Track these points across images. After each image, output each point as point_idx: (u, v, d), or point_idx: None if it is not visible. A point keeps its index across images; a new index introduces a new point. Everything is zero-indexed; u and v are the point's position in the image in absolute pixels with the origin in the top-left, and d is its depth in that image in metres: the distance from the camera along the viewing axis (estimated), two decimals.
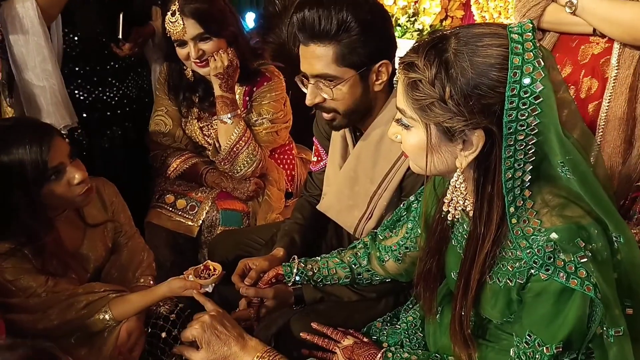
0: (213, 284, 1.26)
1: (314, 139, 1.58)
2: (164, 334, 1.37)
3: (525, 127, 0.80)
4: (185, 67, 1.74)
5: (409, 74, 0.84)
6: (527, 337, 0.88)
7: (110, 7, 1.72)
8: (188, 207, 1.80)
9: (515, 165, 0.82)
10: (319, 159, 1.56)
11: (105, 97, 1.76)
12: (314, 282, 1.30)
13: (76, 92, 1.70)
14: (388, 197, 1.34)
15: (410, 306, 1.32)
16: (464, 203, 0.89)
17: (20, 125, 1.24)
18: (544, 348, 0.86)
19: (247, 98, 1.79)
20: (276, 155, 1.99)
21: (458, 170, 0.86)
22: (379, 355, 1.09)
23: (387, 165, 1.33)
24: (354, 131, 1.42)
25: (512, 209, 0.85)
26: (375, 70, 1.24)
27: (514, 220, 0.86)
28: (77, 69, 1.68)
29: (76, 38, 1.66)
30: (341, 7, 1.17)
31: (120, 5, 1.73)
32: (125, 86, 1.80)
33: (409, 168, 1.29)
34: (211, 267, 1.28)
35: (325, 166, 1.52)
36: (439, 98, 0.81)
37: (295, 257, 1.31)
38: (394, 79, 0.92)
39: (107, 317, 1.25)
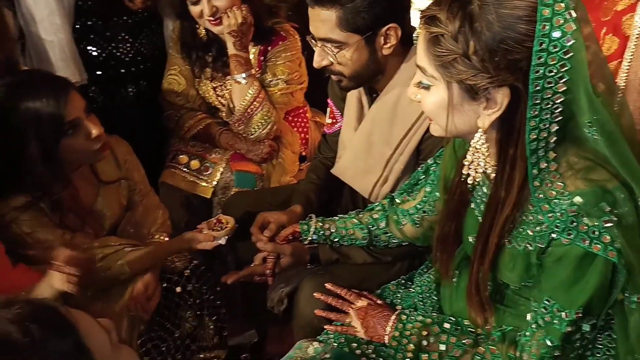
0: (226, 237, 1.26)
1: (328, 100, 1.54)
2: (178, 289, 1.41)
3: (552, 85, 0.76)
4: (198, 26, 1.70)
5: (431, 28, 0.80)
6: (546, 302, 0.87)
7: None
8: (202, 168, 1.79)
9: (540, 125, 0.79)
10: (334, 121, 1.53)
11: (118, 54, 1.73)
12: (331, 242, 1.29)
13: (89, 47, 1.68)
14: (404, 161, 1.32)
15: (425, 270, 1.32)
16: (484, 165, 0.86)
17: (36, 78, 1.24)
18: (563, 313, 0.84)
19: (262, 58, 1.75)
20: (290, 118, 1.95)
21: (480, 130, 0.83)
22: (393, 317, 1.09)
23: (404, 128, 1.30)
24: (369, 93, 1.38)
25: (535, 171, 0.82)
26: (382, 34, 1.20)
27: (536, 183, 0.82)
28: (89, 23, 1.65)
29: None
30: None
31: None
32: (139, 43, 1.77)
33: (427, 131, 1.27)
34: (224, 221, 1.30)
35: (340, 129, 1.49)
36: (463, 54, 0.77)
37: (313, 215, 1.30)
38: (414, 35, 0.87)
39: (123, 270, 1.27)
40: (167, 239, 1.46)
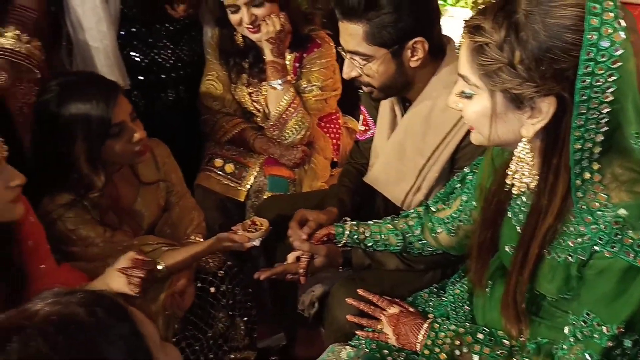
0: (260, 238, 1.28)
1: (361, 107, 1.55)
2: (212, 289, 1.43)
3: (599, 94, 0.75)
4: (235, 33, 1.74)
5: (475, 37, 0.80)
6: (585, 315, 0.85)
7: None
8: (236, 172, 1.82)
9: (585, 135, 0.77)
10: (366, 128, 1.54)
11: (160, 60, 1.78)
12: (364, 246, 1.29)
13: (132, 53, 1.73)
14: (438, 170, 1.31)
15: (458, 279, 1.31)
16: (529, 174, 0.85)
17: (88, 80, 1.29)
18: (604, 327, 0.82)
19: (297, 64, 1.78)
20: (323, 124, 1.97)
21: (524, 139, 0.82)
22: (426, 325, 1.08)
23: (437, 138, 1.29)
24: (402, 102, 1.38)
25: (578, 182, 0.80)
26: (409, 47, 1.21)
27: (579, 194, 0.81)
28: (133, 30, 1.71)
29: None
30: None
31: None
32: (180, 49, 1.82)
33: (462, 140, 1.26)
34: (258, 223, 1.32)
35: (373, 136, 1.50)
36: (508, 63, 0.77)
37: (348, 219, 1.30)
38: (457, 44, 0.88)
39: (159, 267, 1.30)
40: (202, 240, 1.49)
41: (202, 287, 1.44)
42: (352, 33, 1.20)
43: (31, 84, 1.46)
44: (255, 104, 1.85)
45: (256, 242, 1.29)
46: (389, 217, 1.32)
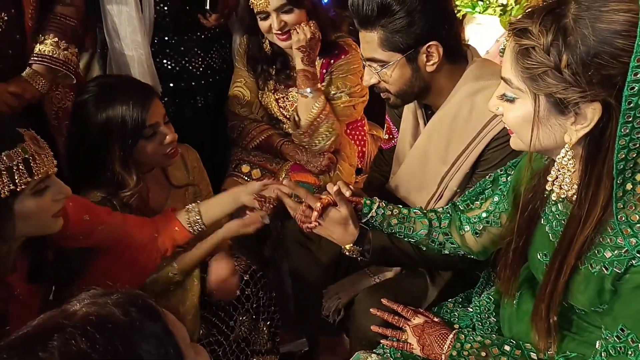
0: (269, 214, 1.31)
1: (386, 116, 1.55)
2: (238, 291, 1.44)
3: None
4: (264, 40, 1.76)
5: (521, 40, 0.78)
6: (620, 331, 0.83)
7: None
8: (263, 178, 1.83)
9: (630, 145, 0.75)
10: (390, 137, 1.54)
11: (191, 67, 1.81)
12: (388, 226, 1.21)
13: (165, 61, 1.77)
14: (460, 178, 1.30)
15: (482, 288, 1.29)
16: (569, 182, 0.84)
17: (125, 84, 1.34)
18: (639, 345, 0.80)
19: (324, 71, 1.79)
20: (348, 130, 1.98)
21: (567, 146, 0.80)
22: (451, 335, 1.07)
23: (460, 146, 1.28)
24: (425, 109, 1.38)
25: (620, 193, 0.78)
26: (423, 52, 1.21)
27: (619, 205, 0.79)
28: (166, 38, 1.75)
29: (165, 8, 1.72)
30: None
31: None
32: (210, 57, 1.85)
33: (486, 146, 1.25)
34: (266, 195, 1.32)
35: (395, 145, 1.50)
36: (554, 67, 0.75)
37: (376, 197, 1.25)
38: (500, 48, 0.87)
39: (172, 270, 1.32)
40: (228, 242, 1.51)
41: None
42: (368, 40, 1.23)
43: (67, 89, 1.51)
44: (282, 109, 1.86)
45: (266, 220, 1.30)
46: (418, 207, 1.29)
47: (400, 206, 1.25)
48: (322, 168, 1.81)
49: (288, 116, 1.86)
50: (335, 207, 1.17)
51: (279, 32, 1.65)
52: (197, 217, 1.33)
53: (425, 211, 1.26)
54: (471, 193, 1.20)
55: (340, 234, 1.18)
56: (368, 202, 1.22)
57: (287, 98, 1.84)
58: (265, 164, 1.87)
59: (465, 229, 1.18)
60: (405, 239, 1.23)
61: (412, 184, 1.39)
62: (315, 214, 1.16)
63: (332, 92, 1.77)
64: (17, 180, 0.95)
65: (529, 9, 0.80)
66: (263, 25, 1.67)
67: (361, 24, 1.23)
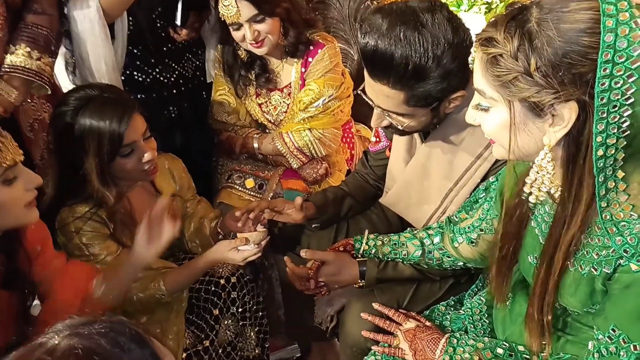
0: (257, 244, 1.29)
1: None
2: (224, 294, 1.42)
3: (619, 97, 0.72)
4: (238, 48, 1.73)
5: (488, 49, 0.77)
6: (611, 331, 0.81)
7: None
8: (257, 186, 1.81)
9: (607, 141, 0.74)
10: (378, 139, 1.51)
11: (162, 78, 1.76)
12: (383, 255, 1.26)
13: (135, 73, 1.71)
14: (467, 193, 1.25)
15: (475, 290, 1.27)
16: (549, 184, 0.82)
17: (104, 97, 1.27)
18: (631, 345, 0.79)
19: (304, 70, 1.75)
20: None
21: (546, 148, 0.79)
22: (443, 340, 1.05)
23: (466, 161, 1.23)
24: None
25: (602, 191, 0.77)
26: (448, 100, 1.14)
27: (603, 204, 0.78)
28: (135, 51, 1.68)
29: (134, 20, 1.65)
30: (424, 50, 1.01)
31: None
32: (182, 66, 1.79)
33: (494, 163, 1.21)
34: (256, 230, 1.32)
35: (383, 148, 1.46)
36: (524, 71, 0.74)
37: (367, 231, 1.29)
38: (470, 59, 0.85)
39: (160, 289, 1.28)
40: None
41: (215, 290, 1.42)
42: (390, 95, 1.10)
43: (42, 100, 1.46)
44: (265, 114, 1.83)
45: (254, 248, 1.28)
46: (408, 229, 1.29)
47: (390, 234, 1.27)
48: (317, 177, 1.79)
49: (272, 120, 1.83)
50: (324, 265, 1.27)
51: (253, 41, 1.62)
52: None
53: (414, 232, 1.26)
54: (467, 203, 1.19)
55: (345, 277, 1.27)
56: (358, 237, 1.27)
57: (269, 102, 1.81)
58: (258, 172, 1.84)
59: (459, 241, 1.17)
60: (404, 263, 1.26)
61: (411, 199, 1.36)
62: (312, 281, 1.27)
63: (322, 100, 1.71)
64: None
65: (493, 19, 0.79)
66: (236, 35, 1.64)
67: (383, 78, 1.07)
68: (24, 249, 1.11)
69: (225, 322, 1.44)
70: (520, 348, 1.02)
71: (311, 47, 1.72)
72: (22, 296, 1.13)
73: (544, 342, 0.93)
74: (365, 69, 1.12)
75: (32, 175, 1.02)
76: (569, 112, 0.75)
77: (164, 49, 1.74)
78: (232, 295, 1.43)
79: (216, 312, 1.41)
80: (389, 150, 1.44)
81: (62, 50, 1.58)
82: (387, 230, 1.43)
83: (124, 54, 1.64)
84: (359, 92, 1.19)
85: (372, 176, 1.53)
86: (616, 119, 0.73)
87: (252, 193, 1.80)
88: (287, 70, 1.76)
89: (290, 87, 1.77)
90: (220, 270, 1.45)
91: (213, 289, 1.43)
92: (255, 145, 1.79)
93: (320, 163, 1.79)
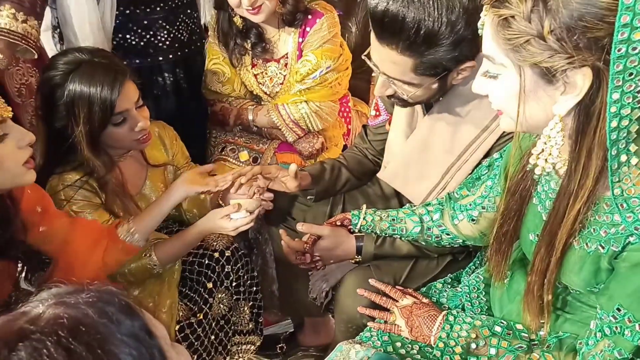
0: (252, 212, 1.26)
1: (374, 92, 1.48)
2: (218, 268, 1.39)
3: (637, 64, 0.67)
4: (234, 14, 1.66)
5: (500, 10, 0.73)
6: (616, 310, 0.79)
7: None
8: (251, 160, 1.77)
9: (621, 111, 0.70)
10: (377, 113, 1.47)
11: (156, 42, 1.70)
12: (380, 231, 1.23)
13: (128, 36, 1.66)
14: (469, 169, 1.21)
15: (473, 268, 1.26)
16: (556, 156, 0.79)
17: (95, 61, 1.21)
18: (636, 325, 0.77)
19: (301, 40, 1.70)
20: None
21: (556, 117, 0.76)
22: (440, 317, 1.03)
23: (470, 135, 1.19)
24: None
25: (614, 165, 0.74)
26: (457, 70, 1.08)
27: (615, 179, 0.75)
28: (127, 12, 1.62)
29: None
30: (438, 14, 0.96)
31: None
32: (176, 29, 1.73)
33: (499, 137, 1.17)
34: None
35: (383, 123, 1.43)
36: (537, 34, 0.70)
37: (364, 206, 1.26)
38: (479, 23, 0.80)
39: (151, 261, 1.26)
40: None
41: (209, 264, 1.40)
42: (397, 62, 1.04)
43: (28, 64, 1.41)
44: (261, 86, 1.78)
45: (245, 216, 1.24)
46: (407, 205, 1.26)
47: (389, 209, 1.25)
48: (313, 152, 1.75)
49: (268, 92, 1.78)
50: (320, 239, 1.26)
51: (250, 7, 1.55)
52: (136, 238, 1.23)
53: (414, 208, 1.23)
54: (468, 179, 1.15)
55: (341, 252, 1.26)
56: (356, 212, 1.24)
57: (265, 73, 1.76)
58: (252, 145, 1.79)
59: (459, 218, 1.14)
60: (402, 239, 1.24)
61: (410, 174, 1.32)
62: (307, 255, 1.26)
63: (319, 71, 1.66)
64: None
65: None
66: (232, 0, 1.57)
67: (392, 44, 1.01)
68: (20, 219, 1.07)
69: (219, 296, 1.42)
70: (518, 326, 1.00)
71: (309, 16, 1.66)
72: (14, 268, 1.10)
73: (542, 321, 0.91)
74: (372, 32, 1.06)
75: (23, 131, 0.97)
76: (582, 79, 0.71)
77: (157, 9, 1.67)
78: (226, 269, 1.41)
79: (210, 285, 1.39)
80: (389, 124, 1.40)
81: (48, 17, 1.51)
82: (384, 207, 1.41)
83: (114, 16, 1.57)
84: (363, 57, 1.14)
85: (371, 151, 1.50)
86: (632, 88, 0.69)
87: (245, 165, 1.76)
88: (284, 40, 1.70)
89: (287, 57, 1.71)
90: (215, 243, 1.43)
91: (207, 262, 1.41)
92: (250, 117, 1.74)
93: (317, 137, 1.76)
